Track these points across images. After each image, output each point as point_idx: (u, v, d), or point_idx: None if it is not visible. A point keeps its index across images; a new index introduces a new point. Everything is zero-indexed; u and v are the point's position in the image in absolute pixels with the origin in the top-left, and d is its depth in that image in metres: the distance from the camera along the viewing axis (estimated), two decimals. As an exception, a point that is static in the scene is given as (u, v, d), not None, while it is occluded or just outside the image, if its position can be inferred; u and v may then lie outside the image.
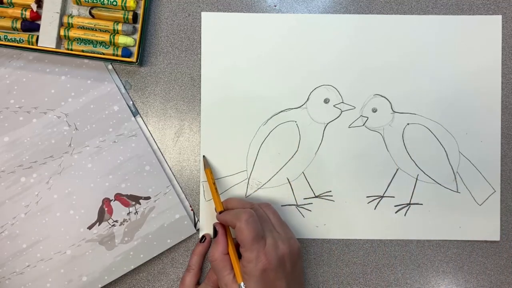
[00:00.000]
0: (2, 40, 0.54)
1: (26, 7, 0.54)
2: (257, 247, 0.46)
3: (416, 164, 0.56)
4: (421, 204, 0.56)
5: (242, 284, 0.47)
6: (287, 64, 0.56)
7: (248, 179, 0.56)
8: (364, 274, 0.57)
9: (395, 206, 0.57)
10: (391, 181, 0.56)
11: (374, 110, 0.56)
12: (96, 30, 0.55)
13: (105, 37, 0.54)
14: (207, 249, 0.56)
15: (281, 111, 0.56)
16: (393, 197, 0.57)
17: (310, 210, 0.56)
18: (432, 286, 0.57)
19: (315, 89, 0.56)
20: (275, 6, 0.57)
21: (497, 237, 0.57)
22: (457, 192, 0.57)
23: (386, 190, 0.56)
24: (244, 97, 0.56)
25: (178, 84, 0.57)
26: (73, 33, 0.54)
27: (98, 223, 0.55)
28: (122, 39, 0.55)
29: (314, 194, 0.57)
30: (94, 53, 0.54)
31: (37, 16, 0.55)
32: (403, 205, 0.57)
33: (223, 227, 0.51)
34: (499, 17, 0.57)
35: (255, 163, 0.56)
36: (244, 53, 0.57)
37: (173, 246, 0.56)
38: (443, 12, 0.57)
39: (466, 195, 0.57)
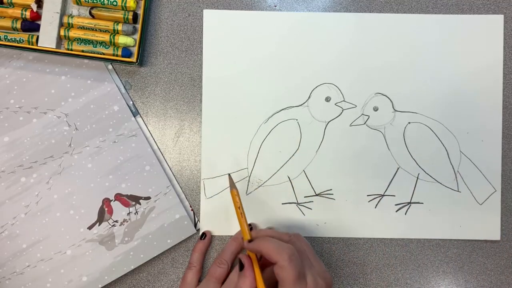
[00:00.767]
0: (2, 40, 0.54)
1: (26, 7, 0.54)
2: (299, 287, 0.43)
3: (417, 163, 0.56)
4: (422, 203, 0.56)
5: None
6: (289, 62, 0.56)
7: (249, 177, 0.56)
8: (364, 274, 0.57)
9: (395, 205, 0.57)
10: (391, 180, 0.56)
11: (376, 109, 0.56)
12: (96, 30, 0.55)
13: (105, 37, 0.55)
14: (207, 246, 0.56)
15: (282, 109, 0.56)
16: (394, 196, 0.56)
17: (311, 208, 0.56)
18: (432, 286, 0.57)
19: (316, 87, 0.56)
20: (275, 6, 0.57)
21: (497, 237, 0.57)
22: (458, 191, 0.57)
23: (387, 189, 0.56)
24: (245, 95, 0.56)
25: (178, 84, 0.57)
26: (73, 33, 0.54)
27: (98, 223, 0.55)
28: (122, 39, 0.55)
29: (315, 192, 0.56)
30: (94, 53, 0.54)
31: (37, 16, 0.55)
32: (404, 204, 0.57)
33: (249, 259, 0.47)
34: (501, 16, 0.57)
35: (256, 161, 0.56)
36: (245, 51, 0.57)
37: (173, 246, 0.56)
38: (443, 12, 0.57)
39: (467, 195, 0.56)
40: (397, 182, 0.56)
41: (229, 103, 0.56)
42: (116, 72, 0.57)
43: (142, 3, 0.55)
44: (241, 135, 0.56)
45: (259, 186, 0.56)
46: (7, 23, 0.54)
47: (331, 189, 0.56)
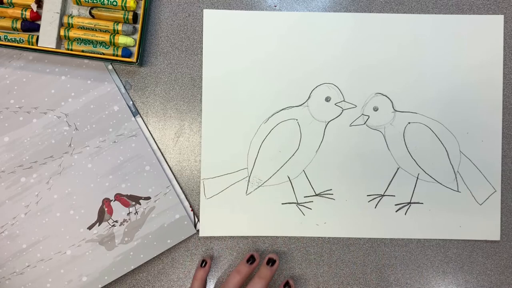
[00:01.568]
0: (2, 40, 0.54)
1: (26, 7, 0.54)
2: None
3: (416, 163, 0.56)
4: (422, 203, 0.56)
5: None
6: (289, 62, 0.56)
7: (249, 177, 0.56)
8: (364, 274, 0.57)
9: (395, 205, 0.57)
10: (391, 180, 0.56)
11: (375, 109, 0.56)
12: (96, 30, 0.55)
13: (105, 37, 0.54)
14: (208, 273, 0.54)
15: (282, 109, 0.56)
16: (394, 196, 0.56)
17: (311, 208, 0.56)
18: (432, 286, 0.57)
19: (316, 87, 0.56)
20: (275, 6, 0.57)
21: (497, 237, 0.57)
22: (458, 191, 0.57)
23: (387, 189, 0.56)
24: (245, 95, 0.56)
25: (178, 84, 0.57)
26: (73, 33, 0.54)
27: (98, 223, 0.55)
28: (122, 39, 0.55)
29: (315, 192, 0.56)
30: (94, 53, 0.54)
31: (37, 16, 0.55)
32: (404, 204, 0.57)
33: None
34: (501, 16, 0.57)
35: (256, 161, 0.56)
36: (245, 51, 0.57)
37: (173, 246, 0.56)
38: (443, 12, 0.57)
39: (467, 195, 0.56)
40: (397, 182, 0.56)
41: (229, 103, 0.56)
42: (116, 72, 0.57)
43: (142, 3, 0.55)
44: (241, 135, 0.56)
45: (259, 186, 0.56)
46: (7, 23, 0.54)
47: (331, 189, 0.56)
